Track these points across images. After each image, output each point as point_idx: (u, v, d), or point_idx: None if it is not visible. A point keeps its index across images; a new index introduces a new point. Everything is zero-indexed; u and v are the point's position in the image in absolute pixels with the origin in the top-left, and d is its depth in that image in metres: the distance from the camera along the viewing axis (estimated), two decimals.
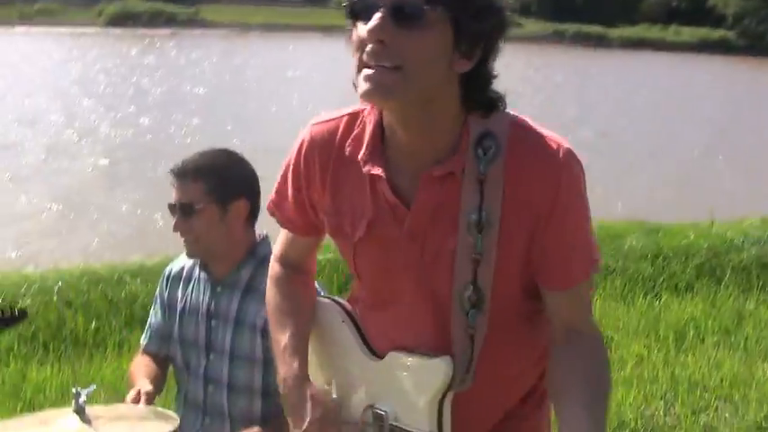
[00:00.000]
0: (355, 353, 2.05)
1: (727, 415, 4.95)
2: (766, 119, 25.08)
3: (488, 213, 1.77)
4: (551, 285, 1.87)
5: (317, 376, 2.13)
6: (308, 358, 2.06)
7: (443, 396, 1.89)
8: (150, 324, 3.17)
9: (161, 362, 3.09)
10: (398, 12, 1.63)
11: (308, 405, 1.95)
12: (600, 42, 56.79)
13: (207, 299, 2.98)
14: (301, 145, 1.98)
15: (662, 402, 5.10)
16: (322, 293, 2.70)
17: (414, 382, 1.92)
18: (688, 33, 69.67)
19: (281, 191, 2.07)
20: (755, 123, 23.83)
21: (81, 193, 12.64)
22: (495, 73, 1.77)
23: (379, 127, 1.86)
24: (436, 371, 1.87)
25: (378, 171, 1.83)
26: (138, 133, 18.15)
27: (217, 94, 25.09)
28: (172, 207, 2.89)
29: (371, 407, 1.99)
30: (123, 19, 61.59)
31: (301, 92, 24.37)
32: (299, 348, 2.05)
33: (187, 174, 2.86)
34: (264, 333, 2.79)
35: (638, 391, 5.22)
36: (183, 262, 3.10)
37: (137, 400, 2.75)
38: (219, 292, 2.95)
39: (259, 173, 2.95)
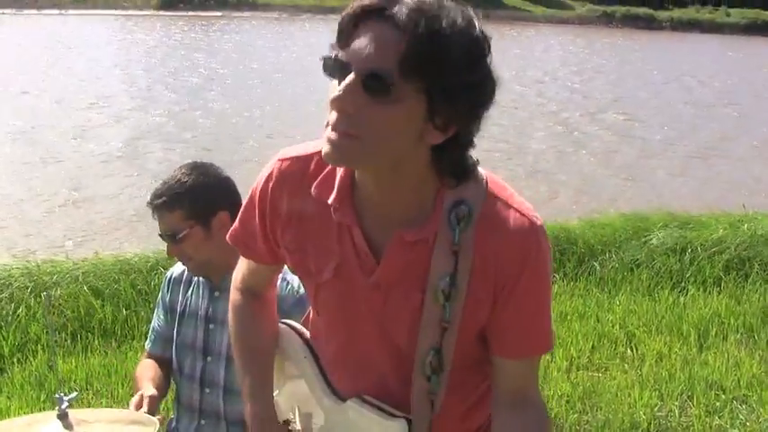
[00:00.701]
0: (317, 389, 2.09)
1: (741, 417, 4.94)
2: None
3: (458, 282, 1.78)
4: (504, 354, 1.89)
5: (281, 400, 2.18)
6: (272, 394, 2.11)
7: None
8: (153, 327, 3.28)
9: (166, 364, 3.18)
10: (370, 81, 1.58)
11: None
12: (649, 24, 56.11)
13: (205, 303, 3.08)
14: (269, 178, 1.94)
15: (677, 403, 5.10)
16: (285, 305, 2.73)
17: None
18: (738, 14, 68.66)
19: (244, 221, 2.06)
20: None
21: (114, 178, 12.74)
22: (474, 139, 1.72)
23: (351, 173, 1.82)
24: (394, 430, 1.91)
25: (350, 221, 1.82)
26: (181, 118, 18.25)
27: (256, 79, 25.13)
28: (161, 236, 3.01)
29: None
30: (175, 2, 62.00)
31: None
32: (266, 386, 2.10)
33: (162, 206, 2.95)
34: None
35: (654, 390, 5.23)
36: (183, 266, 3.18)
37: (140, 405, 2.84)
38: (217, 297, 3.05)
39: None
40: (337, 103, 1.60)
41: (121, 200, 11.49)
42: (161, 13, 56.75)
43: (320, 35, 40.98)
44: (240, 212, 2.08)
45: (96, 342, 5.87)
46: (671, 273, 7.36)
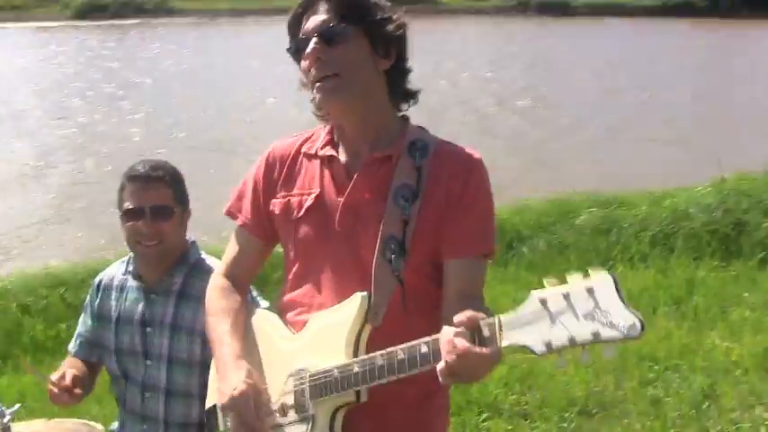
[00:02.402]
0: (278, 336, 2.37)
1: (674, 385, 5.04)
2: (727, 81, 25.30)
3: (415, 190, 2.23)
4: (454, 254, 2.23)
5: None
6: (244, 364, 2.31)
7: (361, 330, 2.17)
8: (79, 332, 3.26)
9: (91, 367, 3.18)
10: (325, 35, 2.22)
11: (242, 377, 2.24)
12: (564, 11, 56.82)
13: (141, 307, 3.08)
14: (266, 157, 2.45)
15: (611, 377, 5.19)
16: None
17: (333, 326, 2.20)
18: None
19: (241, 196, 2.49)
20: (718, 86, 24.01)
21: (46, 195, 12.52)
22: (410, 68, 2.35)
23: (330, 132, 2.37)
24: (354, 305, 2.17)
25: (332, 152, 2.33)
26: (101, 131, 17.98)
27: (171, 85, 24.87)
28: (137, 211, 2.97)
29: (290, 375, 2.26)
30: (90, 11, 60.75)
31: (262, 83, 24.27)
32: (237, 334, 2.38)
33: (160, 179, 3.00)
34: (205, 337, 2.92)
35: (588, 367, 5.30)
36: (114, 271, 3.20)
37: (63, 378, 2.90)
38: (153, 300, 3.06)
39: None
40: (311, 56, 2.22)
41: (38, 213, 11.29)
42: (77, 22, 55.66)
43: (240, 38, 40.84)
44: (238, 189, 2.51)
45: (28, 359, 5.76)
46: (598, 251, 7.50)
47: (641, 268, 7.15)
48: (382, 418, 2.25)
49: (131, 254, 3.15)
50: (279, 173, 2.41)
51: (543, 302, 1.82)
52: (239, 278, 2.52)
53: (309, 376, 2.21)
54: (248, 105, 20.76)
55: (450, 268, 2.23)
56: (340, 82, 2.21)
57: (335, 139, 2.36)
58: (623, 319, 1.72)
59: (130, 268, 3.13)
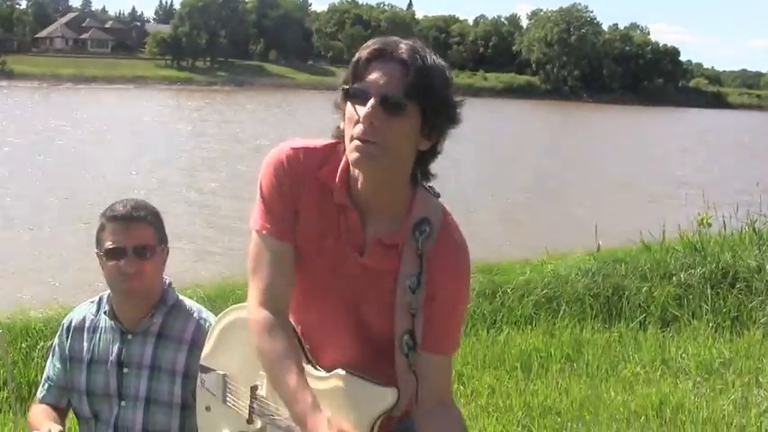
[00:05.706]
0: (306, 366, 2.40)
1: None
2: (571, 162, 26.36)
3: (418, 278, 2.31)
4: (431, 347, 2.35)
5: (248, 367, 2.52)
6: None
7: (378, 418, 2.25)
8: (48, 376, 3.21)
9: (60, 413, 3.15)
10: (386, 102, 2.16)
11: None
12: None
13: (117, 347, 3.07)
14: (284, 165, 2.36)
15: (519, 428, 5.41)
16: None
17: (356, 401, 2.28)
18: (494, 79, 72.47)
19: (270, 209, 2.38)
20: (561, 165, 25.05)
21: None
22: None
23: (344, 171, 2.33)
24: (382, 397, 2.25)
25: (345, 202, 2.32)
26: None
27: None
28: (119, 250, 2.95)
29: None
30: None
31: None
32: (305, 383, 2.27)
33: (141, 219, 2.99)
34: (186, 377, 2.96)
35: (495, 419, 5.52)
36: (84, 312, 3.18)
37: None
38: (131, 340, 3.06)
39: None
40: (368, 117, 2.16)
41: None
42: None
43: (84, 104, 39.97)
44: (260, 204, 2.41)
45: None
46: (484, 315, 7.74)
47: (528, 330, 7.44)
48: None
49: (103, 294, 3.17)
50: (300, 186, 2.36)
51: None
52: (280, 297, 2.39)
53: None
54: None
55: (424, 361, 2.34)
56: (379, 152, 2.17)
57: (348, 184, 2.33)
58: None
59: (106, 308, 3.11)
